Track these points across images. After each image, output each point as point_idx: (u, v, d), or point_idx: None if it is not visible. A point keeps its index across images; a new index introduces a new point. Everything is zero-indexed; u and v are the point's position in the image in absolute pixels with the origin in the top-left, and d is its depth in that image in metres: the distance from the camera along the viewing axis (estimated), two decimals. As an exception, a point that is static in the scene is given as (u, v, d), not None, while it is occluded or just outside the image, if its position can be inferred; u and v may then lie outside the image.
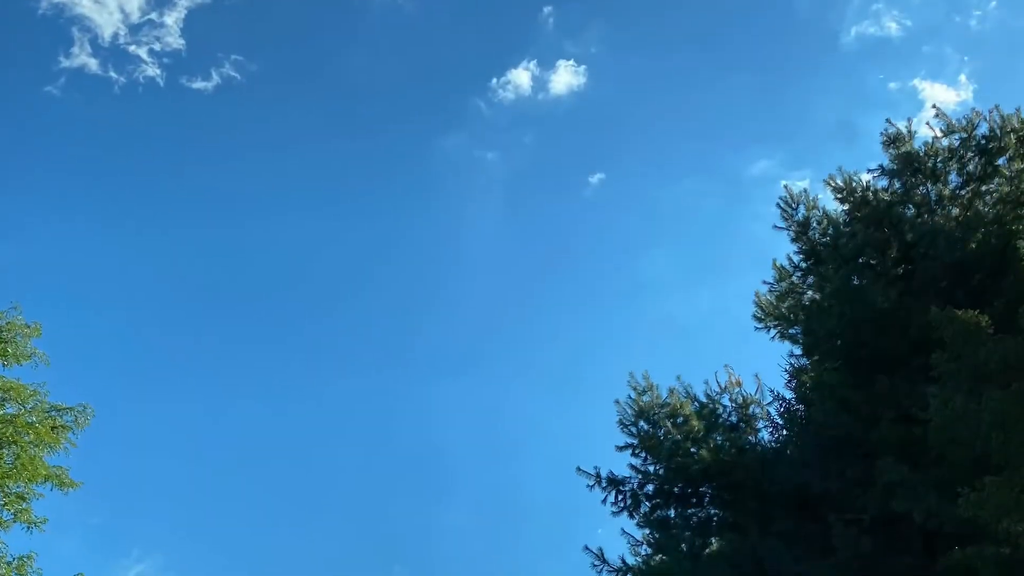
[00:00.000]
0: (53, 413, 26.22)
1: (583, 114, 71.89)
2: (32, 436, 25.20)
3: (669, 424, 26.81)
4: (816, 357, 25.44)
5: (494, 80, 71.20)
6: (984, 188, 24.88)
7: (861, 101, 69.51)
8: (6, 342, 26.11)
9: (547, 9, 69.73)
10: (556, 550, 67.85)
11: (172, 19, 63.28)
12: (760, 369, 30.00)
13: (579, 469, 27.96)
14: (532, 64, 66.85)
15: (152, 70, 63.25)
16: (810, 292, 27.04)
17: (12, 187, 69.82)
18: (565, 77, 66.71)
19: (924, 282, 23.37)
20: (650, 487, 27.36)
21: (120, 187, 73.93)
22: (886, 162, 25.57)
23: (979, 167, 24.82)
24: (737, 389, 28.04)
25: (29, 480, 25.02)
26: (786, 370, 28.05)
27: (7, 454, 25.08)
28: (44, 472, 25.30)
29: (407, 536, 68.68)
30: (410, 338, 77.44)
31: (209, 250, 74.19)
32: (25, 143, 69.69)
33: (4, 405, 25.81)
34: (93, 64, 63.49)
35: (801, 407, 27.00)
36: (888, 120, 25.53)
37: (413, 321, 78.24)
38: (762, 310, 28.38)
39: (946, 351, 19.51)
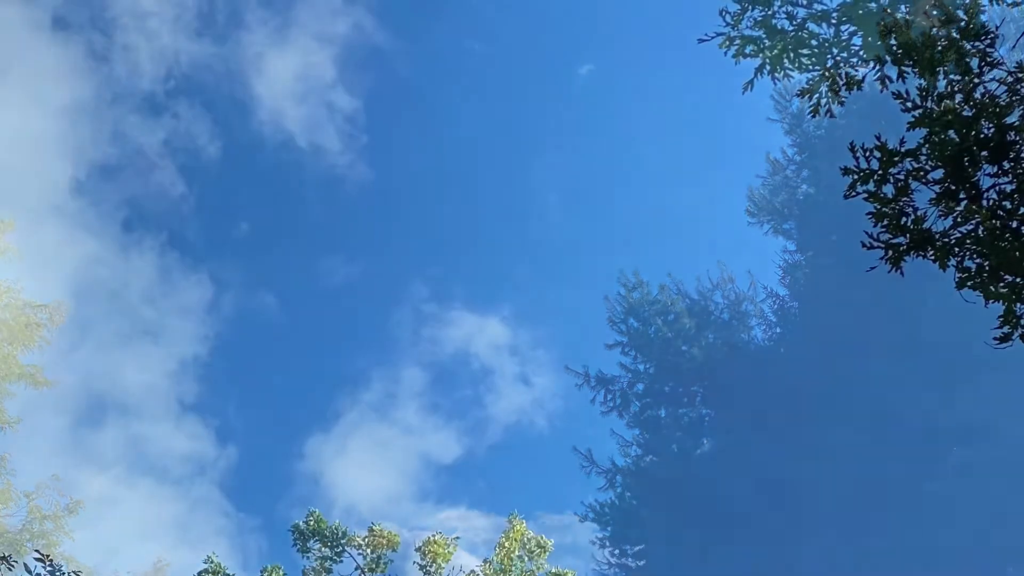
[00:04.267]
0: (27, 310, 25.64)
1: (572, 2, 70.76)
2: (5, 334, 24.63)
3: (660, 322, 26.50)
4: (811, 253, 25.02)
5: (480, -33, 69.92)
6: (983, 79, 24.27)
7: (857, -12, 68.33)
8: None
9: None
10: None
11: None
12: (753, 265, 29.70)
13: (567, 368, 27.65)
14: (519, -49, 65.62)
15: None
16: (804, 186, 26.57)
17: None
18: (553, -37, 65.50)
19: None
20: (640, 386, 27.12)
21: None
22: (882, 53, 24.88)
23: (978, 58, 24.20)
24: (730, 286, 27.79)
25: (2, 379, 24.51)
26: (780, 266, 27.74)
27: (-21, 352, 24.58)
28: (18, 370, 24.80)
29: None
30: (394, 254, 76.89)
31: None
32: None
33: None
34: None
35: (795, 304, 26.69)
36: (885, 9, 24.80)
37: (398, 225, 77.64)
38: (755, 204, 27.95)
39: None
